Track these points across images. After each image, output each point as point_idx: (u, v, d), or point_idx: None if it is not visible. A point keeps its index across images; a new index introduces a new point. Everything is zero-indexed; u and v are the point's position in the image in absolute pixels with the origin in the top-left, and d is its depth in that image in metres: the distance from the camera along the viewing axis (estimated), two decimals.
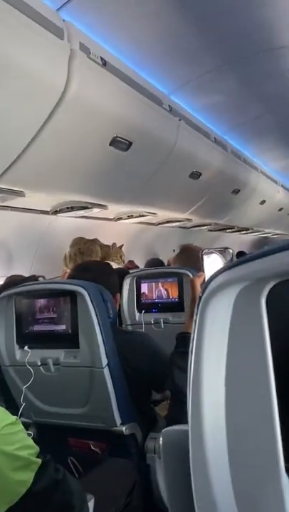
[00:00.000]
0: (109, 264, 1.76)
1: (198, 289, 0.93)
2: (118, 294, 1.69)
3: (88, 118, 1.96)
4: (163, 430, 0.52)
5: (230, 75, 2.65)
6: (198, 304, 0.42)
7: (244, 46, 2.37)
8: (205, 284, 0.42)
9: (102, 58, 1.92)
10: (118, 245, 3.76)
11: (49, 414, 1.56)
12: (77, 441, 1.58)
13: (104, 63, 1.94)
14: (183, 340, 0.96)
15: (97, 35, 1.95)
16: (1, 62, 1.48)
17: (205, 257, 0.92)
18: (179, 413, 0.73)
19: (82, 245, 3.33)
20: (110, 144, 2.19)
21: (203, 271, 0.93)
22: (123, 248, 3.79)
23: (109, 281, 1.62)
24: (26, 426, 1.66)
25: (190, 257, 2.44)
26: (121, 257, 3.69)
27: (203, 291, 0.42)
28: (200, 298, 0.42)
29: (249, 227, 6.00)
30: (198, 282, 0.94)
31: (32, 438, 1.57)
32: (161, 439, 0.51)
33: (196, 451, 0.42)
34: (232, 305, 0.41)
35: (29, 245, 3.27)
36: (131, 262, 4.18)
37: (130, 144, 2.28)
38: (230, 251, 0.92)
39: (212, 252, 0.92)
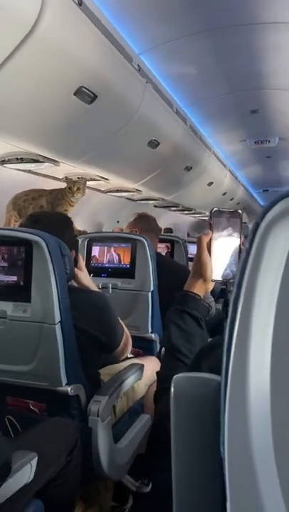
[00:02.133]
0: (67, 216, 1.63)
1: (205, 247, 0.89)
2: (74, 252, 1.58)
3: (56, 60, 1.81)
4: (175, 376, 0.47)
5: (202, 43, 2.59)
6: (254, 234, 0.37)
7: (223, 15, 2.32)
8: (264, 211, 0.37)
9: None
10: None
11: None
12: (16, 400, 1.50)
13: (80, 3, 1.79)
14: (182, 299, 0.91)
15: None
16: None
17: (214, 218, 0.88)
18: (172, 370, 0.68)
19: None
20: (75, 94, 2.05)
21: (211, 230, 0.88)
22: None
23: (64, 236, 1.49)
24: None
25: (149, 224, 2.40)
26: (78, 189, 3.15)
27: (261, 218, 0.37)
28: (257, 225, 0.37)
29: (193, 207, 6.07)
30: (204, 241, 0.89)
31: None
32: (172, 384, 0.46)
33: (234, 405, 0.37)
34: None
35: None
36: (80, 231, 4.04)
37: (95, 97, 2.15)
38: (240, 211, 0.89)
39: (222, 212, 0.87)
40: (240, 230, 0.87)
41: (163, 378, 0.88)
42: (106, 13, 2.05)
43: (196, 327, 0.90)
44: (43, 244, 1.30)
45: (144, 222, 2.39)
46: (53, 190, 3.12)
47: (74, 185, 3.06)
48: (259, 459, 0.36)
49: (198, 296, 0.92)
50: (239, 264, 0.38)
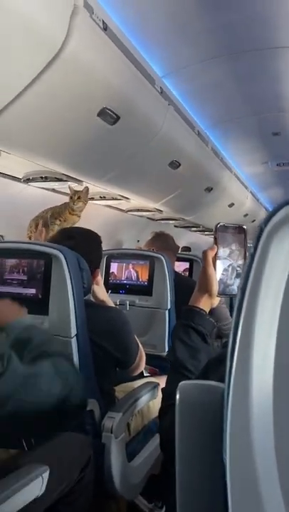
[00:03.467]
0: (98, 235, 1.66)
1: (210, 262, 0.89)
2: (98, 270, 1.62)
3: (81, 82, 1.87)
4: (180, 383, 0.47)
5: (224, 66, 2.63)
6: (259, 239, 0.37)
7: (244, 39, 2.36)
8: (268, 216, 0.38)
9: (103, 22, 1.84)
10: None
11: None
12: None
13: (106, 27, 1.86)
14: (188, 314, 0.91)
15: None
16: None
17: (219, 232, 0.88)
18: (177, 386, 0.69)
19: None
20: (98, 115, 2.10)
21: (216, 245, 0.89)
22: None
23: (93, 253, 1.55)
24: None
25: (166, 242, 2.42)
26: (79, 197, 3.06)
27: (265, 223, 0.37)
28: (261, 230, 0.38)
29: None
30: (210, 255, 0.89)
31: None
32: (178, 392, 0.46)
33: (237, 411, 0.37)
34: None
35: None
36: None
37: (118, 118, 2.20)
38: (245, 227, 0.89)
39: (227, 227, 0.88)
40: (245, 245, 0.88)
41: (167, 395, 0.88)
42: (130, 37, 2.12)
43: (202, 343, 0.89)
44: (62, 258, 1.32)
45: (161, 241, 2.41)
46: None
47: (75, 194, 3.03)
48: (261, 466, 0.35)
49: (204, 311, 0.92)
50: (243, 269, 0.39)
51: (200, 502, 0.43)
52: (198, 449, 0.44)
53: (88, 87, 1.93)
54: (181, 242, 6.24)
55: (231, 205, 5.05)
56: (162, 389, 0.92)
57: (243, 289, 0.37)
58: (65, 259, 1.31)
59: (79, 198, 3.03)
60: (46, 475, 1.08)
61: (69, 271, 1.31)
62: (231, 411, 0.37)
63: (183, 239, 6.44)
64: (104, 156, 2.55)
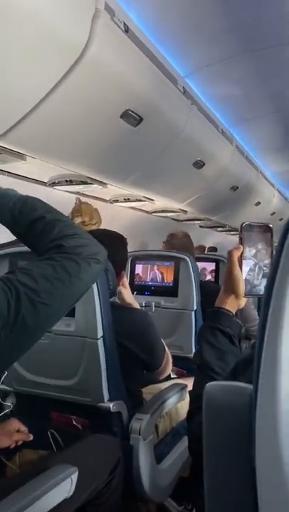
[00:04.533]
0: (124, 237, 1.66)
1: (236, 262, 0.87)
2: (123, 272, 1.62)
3: (104, 85, 1.88)
4: (207, 385, 0.46)
5: (246, 64, 2.60)
6: (284, 237, 0.36)
7: (265, 36, 2.32)
8: None
9: (125, 24, 1.84)
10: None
11: (33, 384, 1.49)
12: (60, 415, 1.52)
13: (127, 30, 1.86)
14: (214, 316, 0.90)
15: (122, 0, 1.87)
16: (20, 12, 1.38)
17: (245, 231, 0.86)
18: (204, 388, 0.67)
19: None
20: (121, 117, 2.11)
21: (242, 244, 0.87)
22: None
23: (119, 255, 1.56)
24: (5, 394, 1.59)
25: (182, 243, 2.39)
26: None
27: None
28: (286, 229, 0.36)
29: None
30: (235, 255, 0.87)
31: (10, 408, 1.52)
32: (205, 393, 0.45)
33: (265, 413, 0.36)
34: None
35: None
36: None
37: (141, 119, 2.20)
38: (271, 225, 0.87)
39: (253, 226, 0.86)
40: (271, 243, 0.85)
41: (195, 397, 0.86)
42: (151, 38, 2.12)
43: (229, 344, 0.87)
44: None
45: (175, 242, 2.38)
46: None
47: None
48: None
49: (231, 312, 0.90)
50: (270, 269, 0.37)
51: (229, 506, 0.42)
52: (227, 452, 0.43)
53: (111, 89, 1.93)
54: (207, 243, 6.19)
55: (258, 203, 4.98)
56: (189, 391, 0.91)
57: (269, 288, 0.36)
58: None
59: (72, 214, 3.12)
60: (75, 476, 1.08)
61: None
62: (259, 413, 0.35)
63: (209, 239, 6.39)
64: (127, 157, 2.55)
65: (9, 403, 1.61)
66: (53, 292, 0.79)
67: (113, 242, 1.60)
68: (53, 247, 0.84)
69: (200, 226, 5.37)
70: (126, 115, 2.13)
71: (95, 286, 1.32)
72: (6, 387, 1.56)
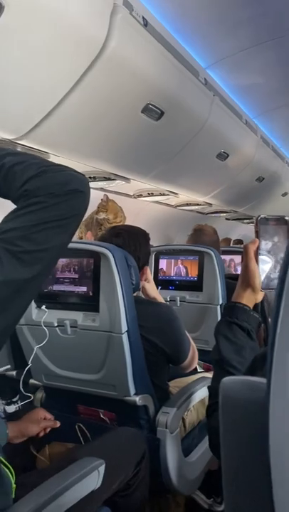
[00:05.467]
0: (146, 232, 1.67)
1: (252, 256, 0.86)
2: (147, 267, 1.63)
3: (124, 80, 1.88)
4: (223, 380, 0.46)
5: (269, 53, 2.55)
6: None
7: (286, 23, 2.26)
8: None
9: (144, 18, 1.84)
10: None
11: (61, 378, 1.52)
12: (87, 409, 1.54)
13: (146, 24, 1.86)
14: (231, 310, 0.89)
15: None
16: (41, 10, 1.40)
17: (260, 225, 0.85)
18: None
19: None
20: (142, 111, 2.11)
21: (258, 238, 0.86)
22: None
23: (141, 250, 1.57)
24: (35, 388, 1.63)
25: (203, 238, 2.37)
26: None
27: None
28: None
29: None
30: (251, 249, 0.87)
31: (40, 401, 1.56)
32: (220, 388, 0.45)
33: (278, 408, 0.36)
34: None
35: None
36: None
37: (162, 113, 2.20)
38: (287, 218, 0.85)
39: (268, 219, 0.85)
40: (287, 236, 0.84)
41: (214, 393, 0.86)
42: (171, 31, 2.10)
43: (247, 339, 0.86)
44: (110, 256, 1.34)
45: (197, 236, 2.37)
46: None
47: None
48: None
49: (248, 307, 0.89)
50: (283, 261, 0.37)
51: (246, 500, 0.42)
52: (243, 447, 0.43)
53: (131, 84, 1.94)
54: (233, 235, 6.13)
55: (285, 194, 4.89)
56: (208, 386, 0.91)
57: (281, 281, 0.36)
58: (113, 256, 1.33)
59: (98, 208, 3.13)
60: (102, 468, 1.10)
61: (117, 268, 1.33)
62: (272, 408, 0.35)
63: (235, 231, 6.32)
64: (150, 152, 2.55)
65: (38, 397, 1.65)
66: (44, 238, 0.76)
67: (136, 238, 1.60)
68: (22, 195, 0.77)
69: (226, 218, 5.32)
70: (147, 109, 2.13)
71: (118, 281, 1.33)
72: (36, 382, 1.60)
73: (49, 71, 1.65)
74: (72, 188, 0.77)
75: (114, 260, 1.34)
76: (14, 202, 0.80)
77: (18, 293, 0.77)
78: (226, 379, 0.46)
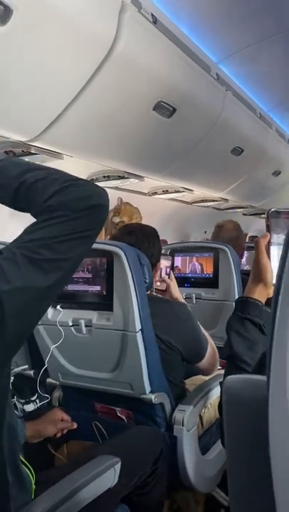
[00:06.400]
0: (155, 229, 1.67)
1: (263, 250, 0.86)
2: (159, 264, 1.64)
3: (134, 78, 1.88)
4: (227, 377, 0.45)
5: (280, 45, 2.50)
6: None
7: None
8: None
9: (152, 15, 1.83)
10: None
11: (77, 377, 1.53)
12: (104, 407, 1.55)
13: (155, 21, 1.85)
14: (243, 305, 0.88)
15: None
16: (49, 12, 1.40)
17: (271, 219, 0.84)
18: None
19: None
20: (154, 109, 2.11)
21: (269, 232, 0.85)
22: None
23: (154, 247, 1.57)
24: (53, 387, 1.65)
25: (228, 234, 2.36)
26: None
27: None
28: None
29: None
30: (262, 243, 0.86)
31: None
32: (223, 387, 0.45)
33: (276, 406, 0.36)
34: None
35: None
36: (163, 240, 4.10)
37: (174, 110, 2.18)
38: None
39: (280, 212, 0.84)
40: None
41: None
42: (181, 27, 2.09)
43: (259, 334, 0.85)
44: (123, 255, 1.34)
45: (216, 232, 2.35)
46: None
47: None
48: None
49: (260, 302, 0.88)
50: (280, 259, 0.37)
51: (250, 496, 0.41)
52: (248, 445, 0.43)
53: (142, 82, 1.93)
54: (251, 231, 6.06)
55: None
56: (220, 382, 0.90)
57: (279, 278, 0.36)
58: (126, 255, 1.33)
59: (117, 213, 3.14)
60: (118, 466, 1.10)
61: (130, 267, 1.33)
62: (271, 405, 0.35)
63: (253, 226, 6.24)
64: (163, 149, 2.55)
65: (56, 396, 1.67)
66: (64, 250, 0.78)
67: (149, 235, 1.61)
68: (45, 210, 0.79)
69: (243, 214, 5.26)
70: (159, 107, 2.12)
71: (130, 280, 1.33)
72: (53, 381, 1.61)
73: (59, 72, 1.66)
74: (94, 203, 0.80)
75: (127, 259, 1.34)
76: (35, 215, 0.82)
77: (35, 300, 0.79)
78: (229, 377, 0.46)
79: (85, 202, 0.79)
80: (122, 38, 1.68)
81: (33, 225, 0.80)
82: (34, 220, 0.82)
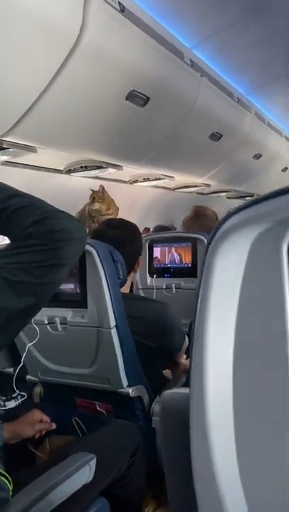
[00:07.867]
0: (134, 224, 1.69)
1: None
2: (140, 258, 1.65)
3: (104, 69, 1.85)
4: (163, 393, 0.46)
5: (257, 27, 2.46)
6: (208, 248, 0.36)
7: None
8: (217, 225, 0.35)
9: (120, 3, 1.79)
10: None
11: (56, 373, 1.55)
12: (84, 401, 1.57)
13: (123, 9, 1.81)
14: None
15: None
16: (11, 6, 1.37)
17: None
18: None
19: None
20: (127, 98, 2.08)
21: None
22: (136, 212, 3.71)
23: (134, 243, 1.58)
24: (33, 384, 1.66)
25: (204, 221, 2.37)
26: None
27: (214, 233, 0.35)
28: (211, 238, 0.36)
29: None
30: None
31: (39, 395, 1.58)
32: (161, 400, 0.46)
33: (197, 417, 0.37)
34: (247, 251, 0.34)
35: None
36: (147, 229, 4.09)
37: (148, 99, 2.16)
38: None
39: None
40: None
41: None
42: (152, 14, 2.05)
43: None
44: (95, 252, 1.34)
45: (199, 218, 2.36)
46: None
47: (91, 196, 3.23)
48: (221, 467, 0.35)
49: None
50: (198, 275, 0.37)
51: (183, 493, 0.43)
52: (181, 456, 0.44)
53: (112, 72, 1.90)
54: None
55: (285, 169, 4.82)
56: (183, 384, 0.91)
57: (197, 294, 0.36)
58: (98, 253, 1.33)
59: (94, 199, 3.10)
60: (93, 463, 1.12)
61: (102, 264, 1.33)
62: (192, 416, 0.36)
63: None
64: (139, 138, 2.52)
65: (37, 391, 1.69)
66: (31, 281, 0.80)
67: (129, 232, 1.63)
68: (26, 236, 0.82)
69: (227, 197, 5.27)
70: (131, 96, 2.09)
71: (103, 277, 1.34)
72: (32, 378, 1.63)
73: (26, 65, 1.62)
74: (69, 237, 0.83)
75: (99, 257, 1.34)
76: (14, 240, 0.85)
77: (8, 321, 0.81)
78: (166, 392, 0.46)
79: (61, 235, 0.82)
80: (89, 28, 1.65)
81: (11, 248, 0.83)
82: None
